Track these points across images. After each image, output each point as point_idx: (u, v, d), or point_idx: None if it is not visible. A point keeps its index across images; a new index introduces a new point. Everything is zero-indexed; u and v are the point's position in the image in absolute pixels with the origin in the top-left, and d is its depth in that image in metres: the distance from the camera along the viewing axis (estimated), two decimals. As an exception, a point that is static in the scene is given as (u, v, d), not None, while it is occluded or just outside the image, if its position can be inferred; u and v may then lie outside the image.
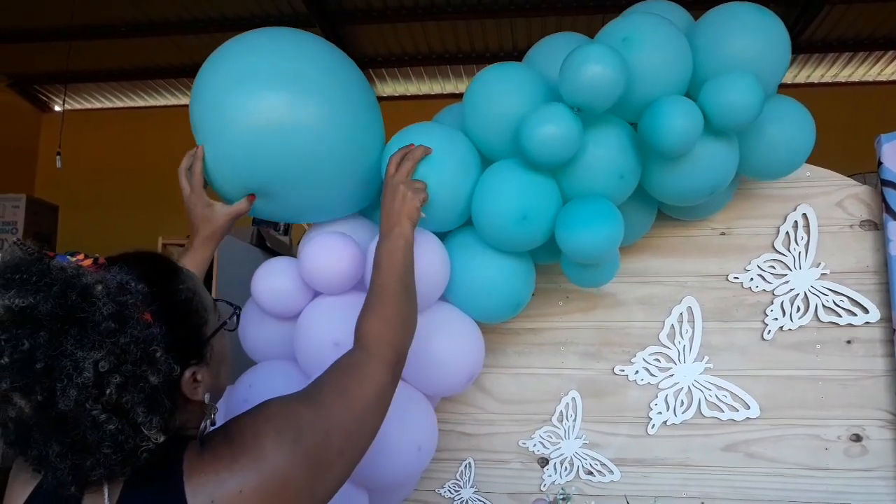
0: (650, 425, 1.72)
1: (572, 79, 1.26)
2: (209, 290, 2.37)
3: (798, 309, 1.68)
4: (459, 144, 1.46)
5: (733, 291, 1.73)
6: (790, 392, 1.69)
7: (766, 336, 1.69)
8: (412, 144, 1.38)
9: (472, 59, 5.40)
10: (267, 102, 1.31)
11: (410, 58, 5.46)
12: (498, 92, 1.40)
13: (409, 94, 6.04)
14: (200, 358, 0.88)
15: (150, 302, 0.80)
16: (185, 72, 5.61)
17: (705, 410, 1.70)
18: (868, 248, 1.68)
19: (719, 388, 1.70)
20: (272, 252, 2.81)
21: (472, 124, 1.46)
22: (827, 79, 5.61)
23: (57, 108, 6.21)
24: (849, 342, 1.67)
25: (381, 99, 5.65)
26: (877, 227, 1.68)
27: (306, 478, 0.85)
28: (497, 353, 1.79)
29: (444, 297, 1.55)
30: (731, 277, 1.72)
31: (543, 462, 1.76)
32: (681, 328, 1.73)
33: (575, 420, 1.75)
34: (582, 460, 1.74)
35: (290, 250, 2.98)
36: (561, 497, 1.38)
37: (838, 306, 1.67)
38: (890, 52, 5.18)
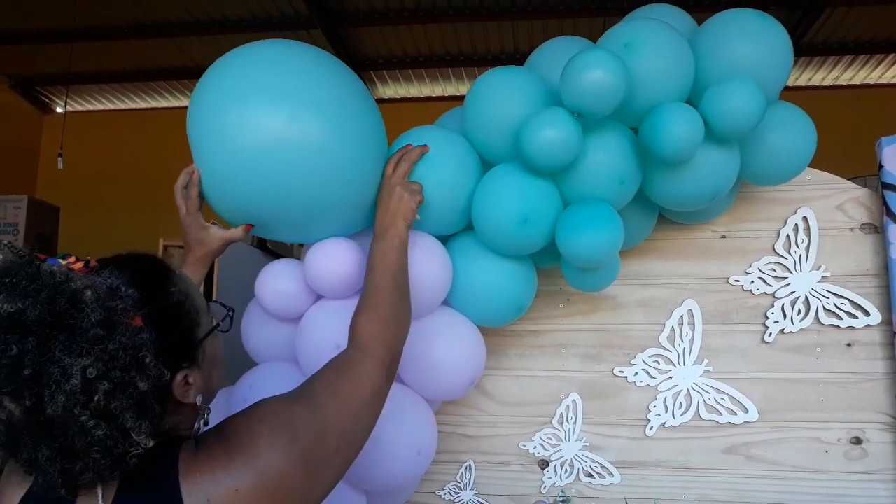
0: (648, 427, 1.72)
1: (573, 84, 1.26)
2: (210, 290, 2.38)
3: (799, 312, 1.68)
4: (459, 148, 1.47)
5: (734, 294, 1.73)
6: (790, 395, 1.69)
7: (766, 339, 1.69)
8: (410, 145, 1.39)
9: (474, 61, 5.40)
10: (265, 119, 1.25)
11: (412, 60, 5.46)
12: (499, 96, 1.41)
13: (409, 97, 6.04)
14: (192, 361, 0.88)
15: (141, 306, 0.80)
16: (186, 73, 5.62)
17: (703, 413, 1.70)
18: (868, 252, 1.68)
19: (718, 391, 1.70)
20: (273, 254, 2.82)
21: (473, 128, 1.46)
22: (828, 81, 5.61)
23: (59, 110, 6.22)
24: (849, 345, 1.68)
25: (381, 101, 5.66)
26: (877, 230, 1.68)
27: (302, 476, 0.85)
28: (498, 356, 1.80)
29: (445, 302, 1.55)
30: (731, 280, 1.72)
31: (544, 464, 1.76)
32: (681, 331, 1.73)
33: (575, 422, 1.75)
34: (582, 462, 1.74)
35: (291, 252, 2.98)
36: (560, 499, 1.38)
37: (839, 309, 1.67)
38: (891, 55, 5.18)
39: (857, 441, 1.66)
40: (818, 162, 1.59)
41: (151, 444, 0.77)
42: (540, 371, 1.79)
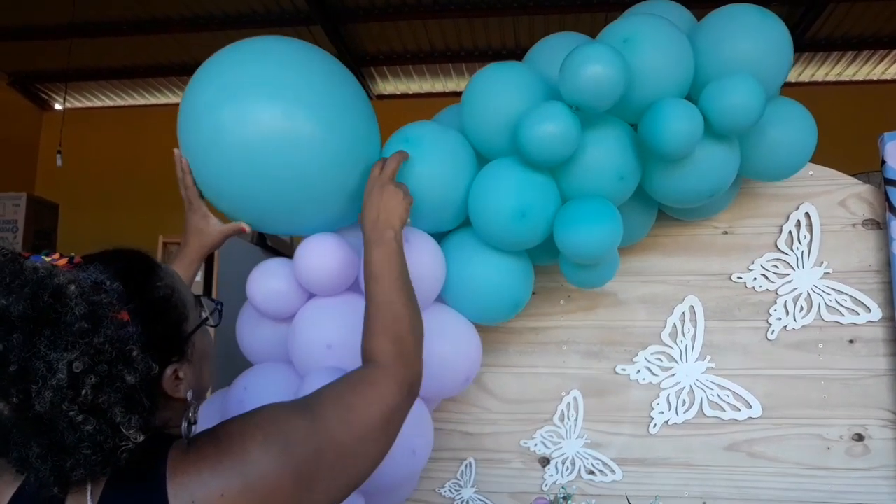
0: (652, 425, 1.71)
1: (572, 78, 1.25)
2: (210, 287, 2.38)
3: (801, 308, 1.68)
4: (454, 144, 1.46)
5: (736, 291, 1.72)
6: (793, 391, 1.68)
7: (769, 336, 1.69)
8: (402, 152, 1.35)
9: (474, 57, 5.39)
10: (257, 115, 1.26)
11: (412, 56, 5.45)
12: (496, 91, 1.40)
13: (410, 93, 6.03)
14: (182, 355, 0.87)
15: (127, 300, 0.79)
16: (186, 70, 5.60)
17: (707, 410, 1.70)
18: (871, 248, 1.68)
19: (721, 387, 1.70)
20: (273, 251, 2.81)
21: (471, 123, 1.45)
22: (831, 77, 5.60)
23: (58, 107, 6.20)
24: (851, 341, 1.67)
25: (382, 97, 5.64)
26: (880, 226, 1.68)
27: (293, 489, 0.81)
28: (499, 353, 1.79)
29: (440, 299, 1.54)
30: (734, 277, 1.72)
31: (545, 462, 1.75)
32: (683, 327, 1.72)
33: (576, 419, 1.75)
34: (584, 460, 1.74)
35: (291, 249, 2.97)
36: (562, 496, 1.38)
37: (841, 305, 1.66)
38: (894, 51, 5.16)
39: (860, 438, 1.66)
40: (820, 158, 1.59)
41: (142, 438, 0.76)
42: (541, 368, 1.78)
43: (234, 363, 1.59)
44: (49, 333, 0.71)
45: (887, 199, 1.63)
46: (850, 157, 2.46)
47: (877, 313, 1.65)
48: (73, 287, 0.74)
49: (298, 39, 1.42)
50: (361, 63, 5.45)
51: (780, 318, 1.68)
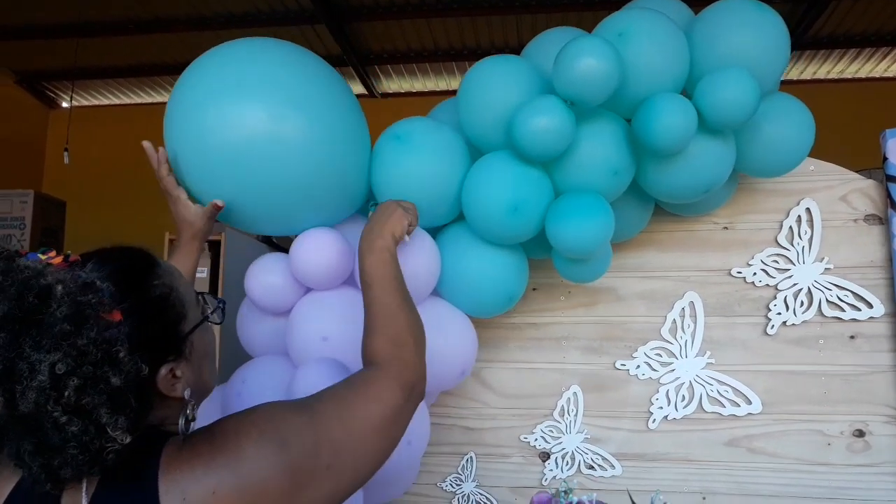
0: (651, 420, 1.72)
1: (566, 71, 1.26)
2: (215, 283, 2.39)
3: (801, 304, 1.68)
4: (447, 139, 1.47)
5: (736, 286, 1.72)
6: (793, 387, 1.69)
7: (768, 331, 1.69)
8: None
9: (478, 55, 5.37)
10: (244, 115, 1.27)
11: (416, 54, 5.45)
12: (492, 84, 1.40)
13: (414, 91, 6.03)
14: (179, 354, 0.86)
15: (121, 299, 0.79)
16: (191, 68, 5.62)
17: (706, 405, 1.70)
18: (873, 243, 1.68)
19: (721, 383, 1.70)
20: (278, 247, 2.82)
21: (466, 116, 1.46)
22: (833, 75, 5.58)
23: (64, 105, 6.23)
24: (852, 337, 1.67)
25: (385, 96, 5.65)
26: (881, 221, 1.68)
27: (287, 489, 0.80)
28: (499, 348, 1.80)
29: (435, 292, 1.55)
30: (733, 272, 1.72)
31: (545, 456, 1.76)
32: (682, 323, 1.73)
33: (576, 414, 1.75)
34: (583, 455, 1.74)
35: (294, 246, 2.99)
36: (563, 490, 1.38)
37: (842, 301, 1.66)
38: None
39: (860, 434, 1.66)
40: (823, 155, 1.59)
41: (129, 439, 0.75)
42: (541, 363, 1.79)
43: (240, 359, 1.60)
44: (34, 334, 0.71)
45: (889, 194, 1.63)
46: (851, 154, 2.45)
47: (879, 309, 1.65)
48: (59, 287, 0.73)
49: (285, 41, 1.42)
50: (366, 61, 5.45)
51: (779, 314, 1.68)
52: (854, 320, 1.67)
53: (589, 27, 1.53)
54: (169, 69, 5.68)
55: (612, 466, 1.73)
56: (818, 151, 1.50)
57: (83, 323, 0.73)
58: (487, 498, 1.77)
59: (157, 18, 4.91)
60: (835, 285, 1.67)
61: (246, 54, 1.34)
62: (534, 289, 1.77)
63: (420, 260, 1.44)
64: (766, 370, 1.69)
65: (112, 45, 5.20)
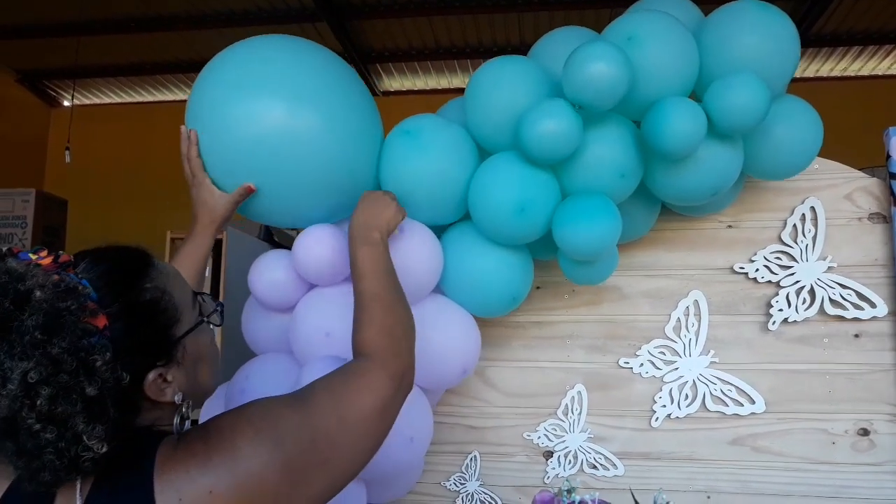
0: (654, 418, 1.72)
1: (575, 76, 1.25)
2: (217, 282, 2.39)
3: (804, 301, 1.68)
4: (456, 137, 1.46)
5: (740, 285, 1.72)
6: (797, 386, 1.68)
7: (770, 327, 1.68)
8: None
9: (480, 53, 5.38)
10: (264, 110, 1.32)
11: (417, 52, 5.45)
12: (500, 85, 1.40)
13: (415, 89, 6.03)
14: (169, 359, 0.85)
15: (109, 303, 0.78)
16: (193, 67, 5.62)
17: (710, 404, 1.70)
18: (876, 241, 1.67)
19: (724, 382, 1.70)
20: (279, 246, 2.82)
21: (473, 117, 1.45)
22: (836, 73, 5.57)
23: (66, 103, 6.23)
24: (857, 336, 1.67)
25: (387, 94, 5.65)
26: (885, 219, 1.67)
27: (285, 485, 0.79)
28: (502, 347, 1.80)
29: (439, 290, 1.55)
30: (736, 267, 1.71)
31: (548, 455, 1.76)
32: (687, 321, 1.73)
33: (580, 413, 1.75)
34: (586, 454, 1.74)
35: (297, 244, 2.98)
36: (565, 489, 1.38)
37: (845, 300, 1.66)
38: (900, 46, 5.13)
39: (865, 432, 1.65)
40: (826, 153, 1.59)
41: (105, 448, 0.74)
42: (545, 362, 1.79)
43: (243, 358, 1.60)
44: (10, 340, 0.70)
45: (892, 193, 1.63)
46: (855, 151, 2.45)
47: (882, 308, 1.65)
48: (38, 293, 0.72)
49: (303, 38, 1.46)
50: (367, 60, 5.45)
51: (781, 310, 1.68)
52: (858, 319, 1.66)
53: (591, 25, 1.53)
54: (170, 67, 5.68)
55: (615, 466, 1.73)
56: (822, 150, 1.50)
57: (58, 331, 0.71)
58: (491, 497, 1.77)
59: (159, 16, 4.92)
60: (838, 284, 1.67)
61: (266, 51, 1.39)
62: (538, 287, 1.77)
63: (422, 254, 1.44)
64: (771, 369, 1.69)
65: (113, 43, 5.20)
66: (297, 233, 1.47)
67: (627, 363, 1.74)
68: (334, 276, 1.44)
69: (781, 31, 1.36)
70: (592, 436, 1.74)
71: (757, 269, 1.70)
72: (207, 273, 2.46)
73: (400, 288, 1.17)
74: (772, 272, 1.69)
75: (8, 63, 5.65)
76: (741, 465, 1.69)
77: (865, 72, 5.54)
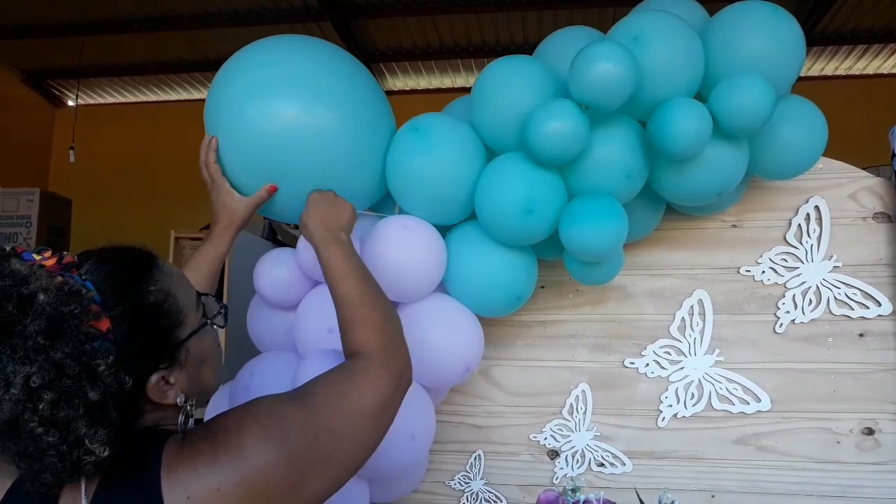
0: (660, 418, 1.72)
1: (582, 76, 1.25)
2: (221, 281, 2.40)
3: (810, 302, 1.67)
4: (464, 136, 1.47)
5: (745, 284, 1.72)
6: (802, 385, 1.68)
7: (777, 329, 1.69)
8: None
9: (483, 52, 5.39)
10: (281, 109, 1.36)
11: (421, 52, 5.45)
12: (506, 85, 1.40)
13: (419, 88, 6.03)
14: (172, 361, 0.85)
15: (113, 306, 0.78)
16: (197, 66, 5.63)
17: (716, 403, 1.70)
18: (881, 241, 1.67)
19: (730, 380, 1.70)
20: (283, 245, 2.83)
21: (480, 117, 1.45)
22: (840, 71, 5.56)
23: (70, 103, 6.25)
24: (861, 335, 1.66)
25: (391, 93, 5.67)
26: (890, 219, 1.67)
27: (290, 481, 0.80)
28: (507, 346, 1.80)
29: (443, 289, 1.56)
30: (742, 270, 1.71)
31: (554, 455, 1.76)
32: (691, 321, 1.73)
33: (585, 412, 1.75)
34: (594, 452, 1.74)
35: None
36: (570, 489, 1.38)
37: (851, 299, 1.66)
38: (905, 45, 5.12)
39: (870, 432, 1.65)
40: (830, 152, 1.58)
41: (107, 452, 0.74)
42: (549, 361, 1.79)
43: (247, 356, 1.61)
44: (12, 344, 0.70)
45: (897, 192, 1.63)
46: (859, 151, 2.45)
47: (887, 307, 1.65)
48: (41, 297, 0.72)
49: (319, 38, 1.52)
50: (370, 59, 5.46)
51: (788, 312, 1.68)
52: (863, 318, 1.66)
53: (595, 24, 1.53)
54: (174, 67, 5.70)
55: (623, 463, 1.73)
56: (827, 148, 1.50)
57: (61, 336, 0.72)
58: (496, 496, 1.77)
59: (163, 16, 4.93)
60: (843, 283, 1.67)
61: (282, 52, 1.43)
62: (542, 287, 1.77)
63: (426, 253, 1.45)
64: (775, 368, 1.69)
65: (117, 43, 5.21)
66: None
67: (633, 363, 1.74)
68: None
69: (787, 31, 1.36)
70: (598, 435, 1.74)
71: (763, 272, 1.70)
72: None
73: (378, 285, 1.17)
74: (778, 274, 1.69)
75: (12, 63, 5.67)
76: (746, 464, 1.69)
77: (870, 70, 5.53)
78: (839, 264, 1.67)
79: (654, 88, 1.31)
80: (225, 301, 2.28)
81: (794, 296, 1.68)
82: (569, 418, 1.76)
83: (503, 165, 1.42)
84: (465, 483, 1.79)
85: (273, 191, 1.40)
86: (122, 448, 0.76)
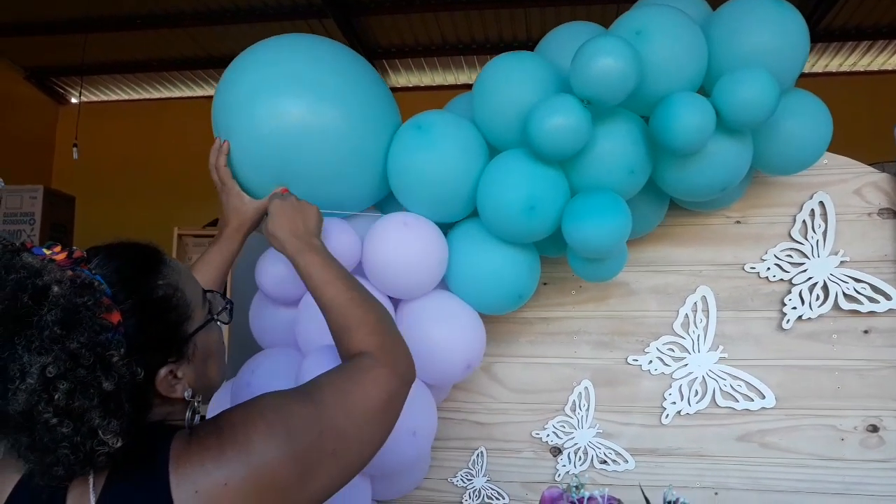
0: (664, 415, 1.71)
1: (584, 71, 1.24)
2: (225, 279, 2.39)
3: (818, 297, 1.66)
4: (466, 133, 1.46)
5: (748, 280, 1.71)
6: (806, 382, 1.67)
7: (784, 325, 1.68)
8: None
9: (486, 49, 5.38)
10: (290, 108, 1.38)
11: (424, 48, 5.45)
12: (508, 81, 1.39)
13: (422, 85, 6.03)
14: (180, 355, 0.86)
15: (123, 300, 0.79)
16: (200, 63, 5.64)
17: (720, 400, 1.69)
18: (886, 237, 1.66)
19: (734, 377, 1.69)
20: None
21: (481, 113, 1.45)
22: (845, 68, 5.54)
23: (73, 101, 6.26)
24: (866, 332, 1.66)
25: (394, 90, 5.67)
26: (895, 215, 1.66)
27: (296, 477, 0.81)
28: (509, 343, 1.79)
29: (444, 286, 1.56)
30: (746, 267, 1.71)
31: (556, 451, 1.76)
32: (695, 317, 1.72)
33: (588, 409, 1.75)
34: (596, 449, 1.74)
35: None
36: (574, 485, 1.38)
37: (860, 294, 1.65)
38: (909, 41, 5.10)
39: (874, 429, 1.65)
40: (835, 148, 1.57)
41: (120, 443, 0.75)
42: (552, 358, 1.78)
43: (249, 353, 1.61)
44: (27, 335, 0.71)
45: (903, 188, 1.62)
46: (864, 147, 2.44)
47: (894, 303, 1.64)
48: (55, 288, 0.73)
49: (324, 37, 1.53)
50: (374, 56, 5.45)
51: (794, 308, 1.67)
52: (869, 314, 1.65)
53: (598, 20, 1.52)
54: (177, 64, 5.70)
55: (626, 461, 1.72)
56: (831, 144, 1.49)
57: (76, 326, 0.72)
58: (498, 493, 1.77)
59: (165, 13, 4.93)
60: (852, 278, 1.65)
61: (287, 52, 1.44)
62: (545, 283, 1.76)
63: (427, 251, 1.44)
64: (779, 365, 1.68)
65: (120, 40, 5.22)
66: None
67: (636, 360, 1.73)
68: None
69: (790, 24, 1.35)
70: (601, 432, 1.74)
71: (768, 269, 1.69)
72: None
73: (360, 284, 1.16)
74: (783, 270, 1.68)
75: (16, 60, 5.68)
76: (749, 461, 1.68)
77: (875, 67, 5.51)
78: (846, 259, 1.66)
79: (656, 83, 1.30)
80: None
81: (800, 291, 1.67)
82: (571, 415, 1.76)
83: (505, 162, 1.41)
84: (468, 480, 1.79)
85: (284, 192, 1.39)
86: (132, 443, 0.77)
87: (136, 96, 6.30)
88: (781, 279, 1.69)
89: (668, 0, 1.41)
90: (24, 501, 0.81)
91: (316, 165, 1.41)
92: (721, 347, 1.70)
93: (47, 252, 0.77)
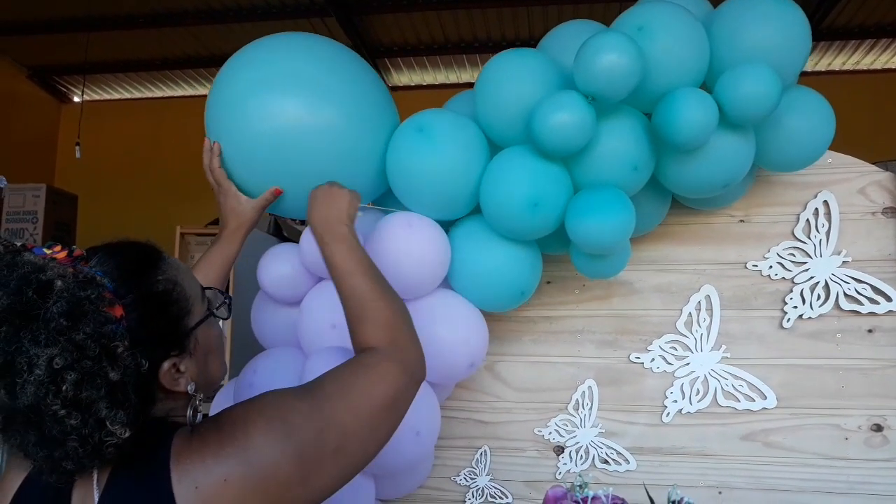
0: (665, 413, 1.71)
1: (587, 67, 1.24)
2: (227, 277, 2.40)
3: (818, 297, 1.66)
4: (467, 131, 1.46)
5: (752, 279, 1.71)
6: (809, 381, 1.67)
7: (784, 324, 1.68)
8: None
9: (488, 47, 5.37)
10: (286, 106, 1.37)
11: (426, 47, 5.44)
12: (510, 78, 1.39)
13: (424, 84, 6.02)
14: (182, 349, 0.87)
15: (124, 294, 0.80)
16: (202, 62, 5.63)
17: (721, 400, 1.69)
18: (890, 236, 1.66)
19: (736, 377, 1.69)
20: (288, 240, 2.83)
21: (484, 111, 1.44)
22: (848, 66, 5.52)
23: (76, 99, 6.26)
24: (870, 331, 1.65)
25: (396, 89, 5.66)
26: (899, 214, 1.66)
27: (296, 473, 0.81)
28: (512, 342, 1.79)
29: (446, 284, 1.55)
30: (749, 265, 1.70)
31: (559, 450, 1.76)
32: (698, 316, 1.72)
33: (591, 408, 1.75)
34: (598, 449, 1.74)
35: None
36: (578, 485, 1.38)
37: (860, 294, 1.65)
38: (912, 40, 5.08)
39: (878, 428, 1.64)
40: (839, 147, 1.57)
41: (128, 433, 0.76)
42: (555, 357, 1.78)
43: (251, 352, 1.61)
44: (33, 329, 0.72)
45: (907, 187, 1.62)
46: (868, 146, 2.43)
47: (894, 304, 1.63)
48: (59, 282, 0.74)
49: (321, 35, 1.52)
50: (376, 55, 5.45)
51: (795, 307, 1.67)
52: (872, 314, 1.65)
53: (600, 18, 1.52)
54: (180, 63, 5.70)
55: (627, 461, 1.72)
56: (835, 143, 1.48)
57: (81, 318, 0.73)
58: (502, 492, 1.77)
59: (168, 12, 4.93)
60: (853, 278, 1.65)
61: (283, 50, 1.44)
62: (548, 282, 1.76)
63: (429, 249, 1.44)
64: (783, 364, 1.68)
65: (123, 39, 5.22)
66: (305, 226, 1.47)
67: (639, 358, 1.73)
68: None
69: (792, 20, 1.35)
70: (604, 431, 1.74)
71: (770, 267, 1.69)
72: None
73: (383, 277, 1.15)
74: (785, 269, 1.68)
75: (18, 59, 5.68)
76: (753, 460, 1.68)
77: (878, 65, 5.49)
78: (848, 259, 1.66)
79: (659, 79, 1.30)
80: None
81: (801, 291, 1.67)
82: (574, 414, 1.75)
83: (508, 159, 1.41)
84: (471, 479, 1.78)
85: (278, 193, 1.41)
86: (135, 438, 0.78)
87: (138, 95, 6.30)
88: (783, 277, 1.69)
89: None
90: (31, 499, 0.82)
91: (312, 164, 1.40)
92: (724, 347, 1.70)
93: (48, 252, 0.78)
